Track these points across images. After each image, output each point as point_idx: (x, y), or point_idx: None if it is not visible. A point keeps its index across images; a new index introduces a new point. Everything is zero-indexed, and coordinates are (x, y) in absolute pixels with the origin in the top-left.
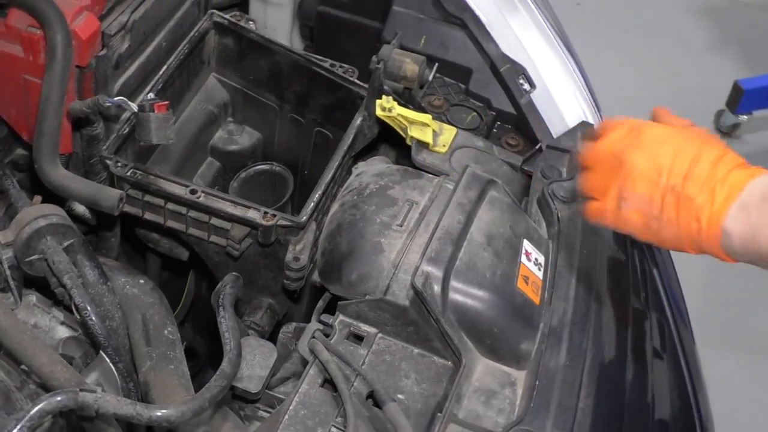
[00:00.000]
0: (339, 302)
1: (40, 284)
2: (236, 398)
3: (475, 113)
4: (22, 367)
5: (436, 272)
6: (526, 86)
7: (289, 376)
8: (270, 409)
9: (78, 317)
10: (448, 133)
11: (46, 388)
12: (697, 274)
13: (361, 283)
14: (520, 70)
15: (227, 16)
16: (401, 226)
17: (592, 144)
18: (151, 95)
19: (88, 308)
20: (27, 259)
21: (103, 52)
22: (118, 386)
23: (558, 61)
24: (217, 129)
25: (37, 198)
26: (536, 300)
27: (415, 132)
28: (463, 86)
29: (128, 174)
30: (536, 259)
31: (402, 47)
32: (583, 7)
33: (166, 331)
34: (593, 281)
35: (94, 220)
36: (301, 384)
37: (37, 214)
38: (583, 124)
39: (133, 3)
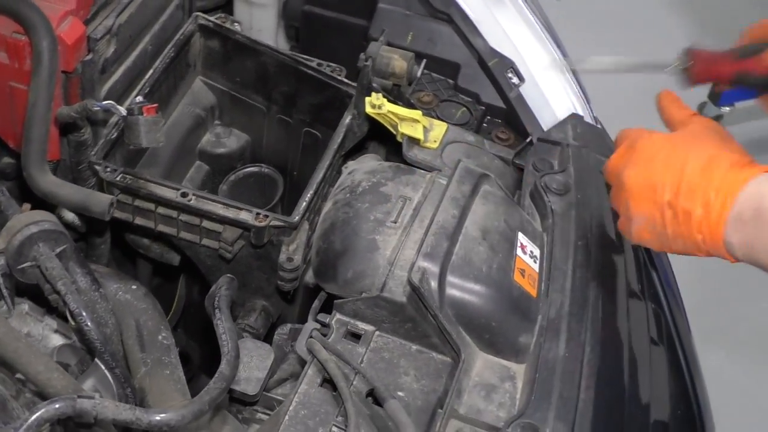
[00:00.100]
0: (335, 301)
1: (32, 293)
2: (234, 401)
3: (464, 108)
4: (18, 375)
5: (433, 267)
6: (515, 80)
7: (286, 378)
8: (269, 411)
9: (73, 324)
10: (439, 128)
11: (43, 396)
12: (689, 265)
13: (356, 281)
14: (508, 64)
15: (212, 19)
16: (395, 222)
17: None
18: (139, 98)
19: (84, 314)
20: (19, 267)
21: (89, 56)
22: (114, 393)
23: (546, 53)
24: (205, 132)
25: (26, 206)
26: (533, 293)
27: (405, 128)
28: (451, 82)
29: (118, 179)
30: (531, 252)
31: (389, 44)
32: (563, 4)
33: (160, 337)
34: (589, 272)
35: (84, 227)
36: (300, 384)
37: (28, 220)
38: (573, 117)
39: (117, 7)
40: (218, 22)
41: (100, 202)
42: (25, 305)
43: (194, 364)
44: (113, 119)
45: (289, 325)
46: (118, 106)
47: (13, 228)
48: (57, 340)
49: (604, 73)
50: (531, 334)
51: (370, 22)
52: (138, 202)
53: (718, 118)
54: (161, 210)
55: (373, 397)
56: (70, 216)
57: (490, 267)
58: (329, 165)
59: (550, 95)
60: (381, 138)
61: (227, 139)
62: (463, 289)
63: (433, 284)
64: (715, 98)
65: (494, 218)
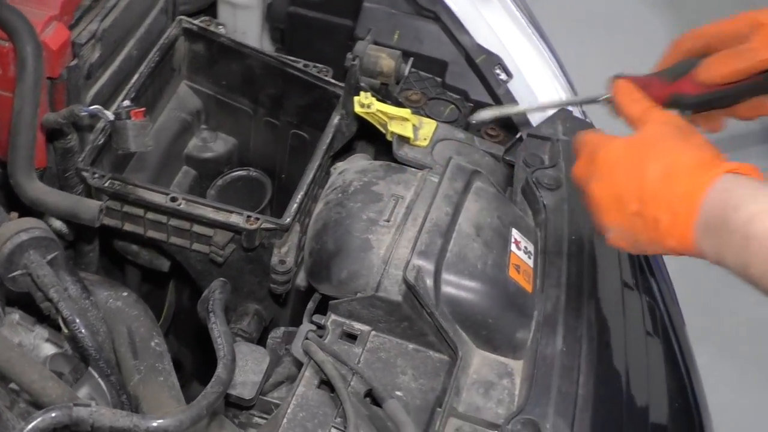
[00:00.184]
0: (330, 302)
1: (22, 302)
2: (230, 406)
3: (453, 106)
4: (11, 386)
5: (428, 265)
6: (503, 76)
7: (282, 381)
8: (265, 415)
9: (66, 331)
10: (428, 126)
11: (38, 405)
12: (677, 261)
13: (351, 281)
14: (495, 61)
15: (196, 22)
16: (388, 221)
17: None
18: (126, 102)
19: (77, 321)
20: (10, 275)
21: (74, 62)
22: (108, 401)
23: (533, 49)
24: (191, 137)
25: (14, 214)
26: (529, 288)
27: (395, 127)
28: (439, 80)
29: (106, 185)
30: (526, 248)
31: (376, 43)
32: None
33: (152, 343)
34: (584, 267)
35: (72, 235)
36: (298, 386)
37: (17, 228)
38: (563, 112)
39: (101, 11)
40: (202, 25)
41: (90, 208)
42: (16, 315)
43: (186, 370)
44: (100, 124)
45: (282, 329)
46: (106, 111)
47: (3, 236)
48: (49, 349)
49: (543, 110)
50: (528, 329)
51: (356, 22)
52: (127, 208)
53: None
54: (150, 215)
55: (372, 397)
56: (57, 224)
57: (485, 263)
58: (319, 166)
59: (539, 91)
60: (369, 138)
61: (214, 144)
62: (458, 287)
63: (429, 282)
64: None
65: (487, 214)
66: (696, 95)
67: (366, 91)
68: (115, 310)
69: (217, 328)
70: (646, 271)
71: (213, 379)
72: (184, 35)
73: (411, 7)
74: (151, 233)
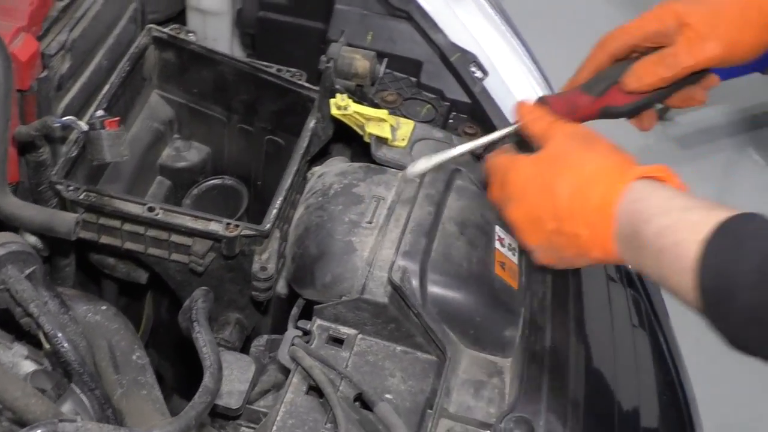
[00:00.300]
0: (315, 306)
1: None
2: (217, 416)
3: (429, 105)
4: None
5: (413, 266)
6: (479, 74)
7: (268, 389)
8: (253, 425)
9: (48, 347)
10: (406, 126)
11: (22, 422)
12: None
13: (336, 285)
14: (471, 58)
15: (166, 30)
16: (371, 223)
17: None
18: (100, 112)
19: (59, 335)
20: None
21: (44, 73)
22: (92, 416)
23: (507, 46)
24: (165, 147)
25: None
26: (515, 285)
27: (372, 128)
28: (414, 80)
29: (81, 197)
30: (510, 244)
31: (349, 45)
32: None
33: (134, 356)
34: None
35: (47, 250)
36: (286, 393)
37: None
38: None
39: (70, 22)
40: (172, 33)
41: (65, 221)
42: None
43: (167, 384)
44: (72, 136)
45: (265, 336)
46: (79, 122)
47: None
48: (29, 366)
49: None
50: (515, 327)
51: (328, 25)
52: (103, 220)
53: (667, 108)
54: (128, 226)
55: (361, 401)
56: (32, 239)
57: (470, 261)
58: (296, 171)
59: (515, 87)
60: (344, 141)
61: (187, 153)
62: (444, 286)
63: (415, 283)
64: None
65: (470, 213)
66: (625, 105)
67: (342, 93)
68: (94, 324)
69: (202, 337)
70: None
71: (200, 389)
72: (154, 44)
73: (383, 8)
74: (129, 245)
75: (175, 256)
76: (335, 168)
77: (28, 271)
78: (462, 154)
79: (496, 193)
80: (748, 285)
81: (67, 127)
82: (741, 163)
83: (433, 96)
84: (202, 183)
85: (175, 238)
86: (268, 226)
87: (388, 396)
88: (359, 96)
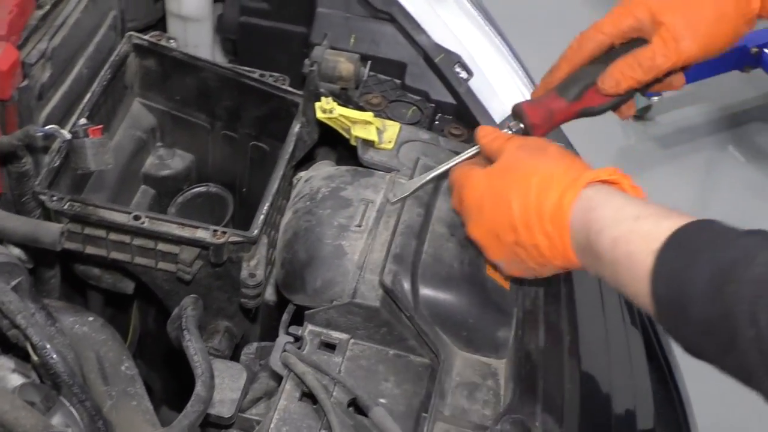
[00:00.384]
0: (306, 312)
1: None
2: (209, 425)
3: (414, 107)
4: None
5: (404, 268)
6: (464, 74)
7: (260, 397)
8: None
9: (36, 358)
10: (392, 128)
11: None
12: None
13: (326, 290)
14: (455, 59)
15: (146, 37)
16: (360, 226)
17: None
18: (82, 120)
19: (48, 346)
20: None
21: (25, 83)
22: (82, 428)
23: (491, 46)
24: (148, 155)
25: None
26: (506, 286)
27: (358, 131)
28: (398, 82)
29: (65, 207)
30: None
31: (332, 48)
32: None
33: (123, 367)
34: None
35: (31, 262)
36: (279, 400)
37: None
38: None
39: (49, 30)
40: (153, 40)
41: (50, 231)
42: None
43: (156, 395)
44: (55, 145)
45: (255, 344)
46: (62, 130)
47: None
48: (16, 380)
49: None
50: (508, 327)
51: (310, 29)
52: (88, 230)
53: (647, 108)
54: (113, 236)
55: (356, 406)
56: (16, 251)
57: (462, 263)
58: (282, 176)
59: (500, 87)
60: (329, 145)
61: (171, 161)
62: (436, 288)
63: (406, 285)
64: (643, 89)
65: None
66: (602, 104)
67: (326, 96)
68: (81, 335)
69: (193, 346)
70: None
71: (192, 398)
72: (134, 51)
73: (366, 10)
74: (115, 254)
75: (162, 265)
76: (322, 172)
77: (14, 283)
78: (438, 176)
79: (457, 208)
80: (700, 298)
81: (49, 137)
82: (722, 161)
83: (418, 98)
84: (187, 191)
85: (162, 246)
86: (255, 232)
87: (382, 400)
88: (344, 99)
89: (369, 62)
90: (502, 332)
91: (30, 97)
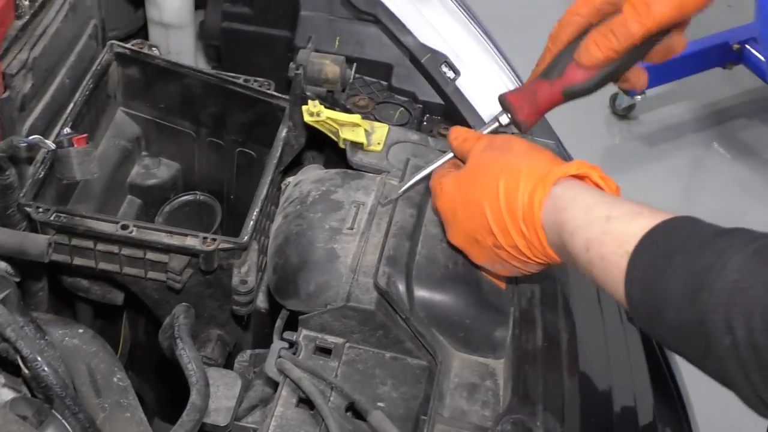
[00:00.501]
0: (300, 317)
1: None
2: None
3: (402, 108)
4: None
5: (398, 270)
6: (451, 74)
7: (256, 404)
8: None
9: (26, 371)
10: (381, 130)
11: None
12: None
13: (320, 294)
14: (441, 59)
15: (128, 46)
16: (352, 228)
17: None
18: (67, 129)
19: (39, 359)
20: None
21: (6, 94)
22: None
23: (478, 44)
24: (133, 165)
25: None
26: (502, 285)
27: (346, 133)
28: (385, 83)
29: (52, 218)
30: None
31: (317, 51)
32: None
33: (115, 379)
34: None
35: (18, 275)
36: (276, 407)
37: None
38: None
39: (29, 40)
40: (135, 48)
41: (37, 243)
42: None
43: (148, 407)
44: (39, 156)
45: (249, 351)
46: (46, 141)
47: None
48: (7, 394)
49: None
50: (506, 327)
51: (294, 33)
52: (75, 241)
53: (631, 107)
54: (101, 246)
55: (354, 411)
56: (2, 265)
57: (456, 263)
58: (270, 182)
59: (487, 85)
60: (317, 148)
61: (157, 170)
62: (431, 289)
63: (401, 287)
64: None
65: None
66: (586, 80)
67: (313, 99)
68: (72, 348)
69: (186, 354)
70: None
71: (188, 407)
72: (116, 60)
73: (350, 12)
74: (103, 265)
75: (151, 275)
76: (311, 175)
77: (1, 296)
78: (421, 180)
79: (437, 214)
80: (674, 304)
81: (33, 147)
82: (707, 158)
83: (406, 99)
84: (174, 200)
85: (151, 255)
86: (246, 238)
87: (380, 404)
88: (330, 102)
89: (354, 64)
90: (499, 332)
91: (12, 109)
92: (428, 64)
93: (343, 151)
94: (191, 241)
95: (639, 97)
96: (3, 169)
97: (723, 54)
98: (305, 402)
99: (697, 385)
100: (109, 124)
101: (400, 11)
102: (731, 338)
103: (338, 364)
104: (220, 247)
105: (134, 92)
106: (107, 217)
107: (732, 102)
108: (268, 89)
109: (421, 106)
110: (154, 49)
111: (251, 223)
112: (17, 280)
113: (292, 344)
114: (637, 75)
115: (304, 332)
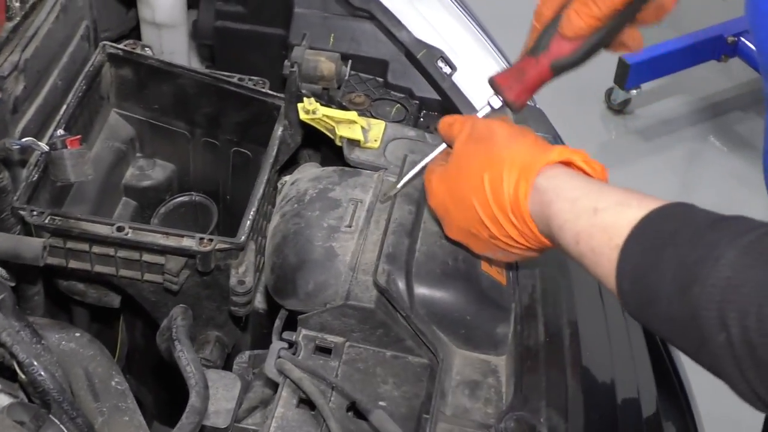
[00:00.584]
0: (299, 316)
1: None
2: None
3: (399, 105)
4: None
5: (397, 267)
6: (447, 69)
7: (255, 406)
8: None
9: (23, 377)
10: (377, 127)
11: None
12: None
13: (319, 293)
14: (437, 54)
15: (121, 46)
16: (350, 226)
17: None
18: (60, 131)
19: (35, 364)
20: None
21: None
22: None
23: (473, 39)
24: (128, 166)
25: None
26: (502, 281)
27: (343, 131)
28: (381, 80)
29: (46, 221)
30: None
31: (312, 48)
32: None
33: (113, 383)
34: (556, 254)
35: (14, 280)
36: (276, 408)
37: None
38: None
39: (21, 42)
40: (128, 48)
41: (32, 247)
42: None
43: (147, 410)
44: (32, 159)
45: (248, 353)
46: (40, 143)
47: None
48: (4, 400)
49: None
50: (507, 323)
51: (288, 30)
52: (71, 244)
53: (626, 101)
54: (97, 249)
55: (355, 410)
56: None
57: (456, 259)
58: (267, 181)
59: (484, 80)
60: (313, 146)
61: (152, 171)
62: (431, 286)
63: (401, 285)
64: (621, 82)
65: None
66: (573, 52)
67: (308, 97)
68: (69, 352)
69: (185, 356)
70: None
71: (187, 409)
72: (109, 61)
73: (344, 9)
74: (99, 268)
75: (148, 277)
76: (308, 174)
77: None
78: (418, 174)
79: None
80: (666, 298)
81: (26, 150)
82: (704, 151)
83: (402, 95)
84: (169, 201)
85: (147, 257)
86: (243, 238)
87: (382, 403)
88: (326, 99)
89: (350, 61)
90: (500, 328)
91: (4, 111)
92: (424, 60)
93: (340, 148)
94: (188, 242)
95: (634, 91)
96: None
97: (718, 47)
98: (306, 402)
99: (699, 378)
100: (102, 126)
101: (395, 7)
102: (725, 335)
103: (338, 363)
104: (216, 247)
105: (127, 93)
106: (102, 219)
107: (727, 95)
108: (263, 88)
109: (417, 102)
110: (147, 49)
111: (248, 223)
112: (12, 284)
113: (292, 344)
114: (632, 37)
115: (304, 332)
